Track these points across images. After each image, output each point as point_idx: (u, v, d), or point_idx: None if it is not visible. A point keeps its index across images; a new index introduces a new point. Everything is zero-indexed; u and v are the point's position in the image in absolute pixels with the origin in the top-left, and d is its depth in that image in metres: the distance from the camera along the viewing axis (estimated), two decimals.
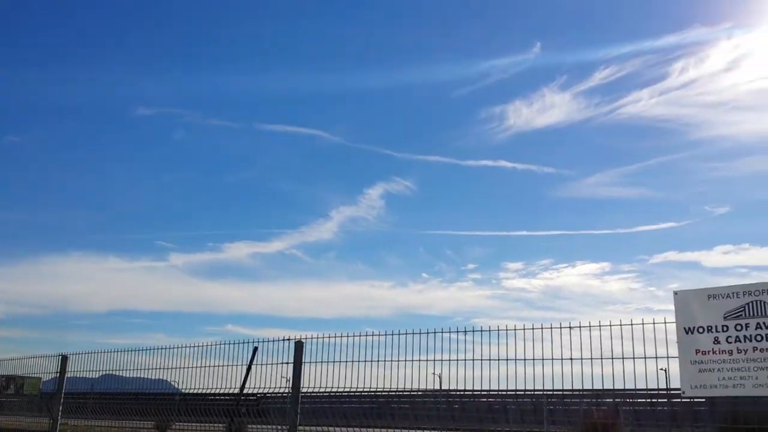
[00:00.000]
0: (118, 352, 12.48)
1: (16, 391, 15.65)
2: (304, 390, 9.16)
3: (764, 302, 6.25)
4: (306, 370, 9.34)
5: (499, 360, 8.22)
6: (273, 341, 9.80)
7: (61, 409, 12.87)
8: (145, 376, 12.50)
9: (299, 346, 9.34)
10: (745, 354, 6.26)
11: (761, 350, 6.18)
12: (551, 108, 63.50)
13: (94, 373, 13.05)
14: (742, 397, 6.58)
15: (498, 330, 8.23)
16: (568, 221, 70.61)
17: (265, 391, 9.87)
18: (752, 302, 6.32)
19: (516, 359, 8.07)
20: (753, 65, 58.95)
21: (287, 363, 9.43)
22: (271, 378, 9.91)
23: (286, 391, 9.41)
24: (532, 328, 7.91)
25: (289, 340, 9.49)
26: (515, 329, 8.05)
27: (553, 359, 7.86)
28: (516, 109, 66.43)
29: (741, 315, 6.35)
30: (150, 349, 12.02)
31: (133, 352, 12.27)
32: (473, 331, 8.49)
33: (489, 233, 71.08)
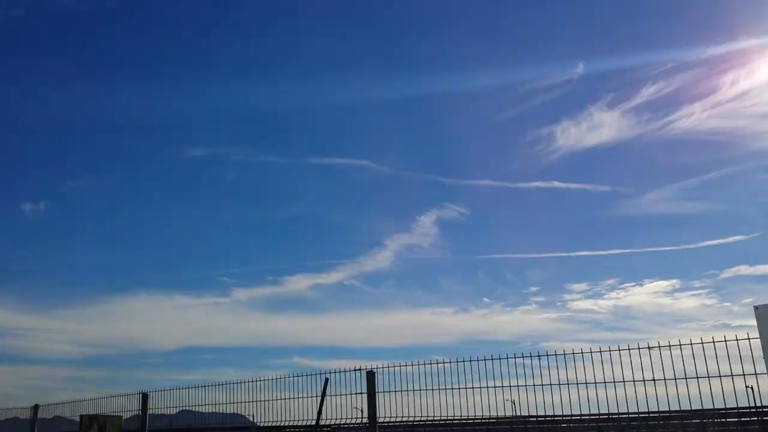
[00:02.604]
0: (193, 388, 12.79)
1: (99, 431, 16.08)
2: (381, 420, 9.18)
3: None
4: (378, 399, 9.32)
5: (576, 383, 8.09)
6: (344, 372, 9.90)
7: None
8: (220, 411, 12.75)
9: (371, 376, 9.37)
10: None
11: None
12: (600, 126, 62.31)
13: (172, 409, 13.38)
14: None
15: (573, 353, 8.12)
16: (630, 239, 68.99)
17: (340, 422, 9.93)
18: None
19: (590, 383, 7.92)
20: None
21: (360, 393, 9.48)
22: (344, 409, 9.97)
23: (362, 421, 9.44)
24: (609, 351, 7.75)
25: (360, 370, 9.55)
26: (589, 352, 7.92)
27: (627, 381, 7.68)
28: (564, 129, 65.42)
29: None
30: (224, 384, 12.28)
31: (206, 388, 12.58)
32: (546, 355, 8.39)
33: (548, 255, 69.99)
